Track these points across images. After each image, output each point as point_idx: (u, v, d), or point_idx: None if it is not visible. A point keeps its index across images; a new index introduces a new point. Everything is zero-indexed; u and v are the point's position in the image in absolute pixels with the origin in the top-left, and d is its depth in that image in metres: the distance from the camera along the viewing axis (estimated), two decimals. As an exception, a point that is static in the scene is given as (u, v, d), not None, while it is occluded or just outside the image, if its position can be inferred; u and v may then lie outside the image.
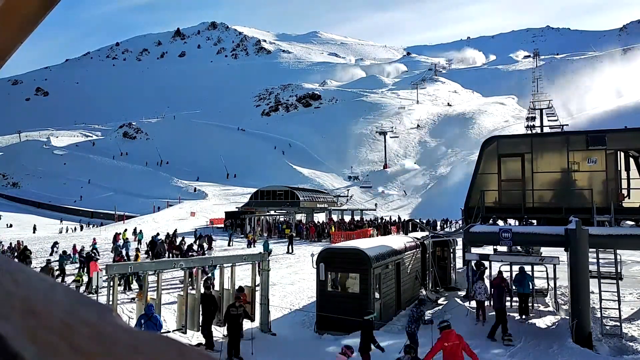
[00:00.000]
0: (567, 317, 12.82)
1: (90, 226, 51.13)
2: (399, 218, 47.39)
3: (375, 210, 60.26)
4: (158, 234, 29.86)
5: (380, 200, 70.77)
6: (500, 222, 15.96)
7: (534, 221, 15.48)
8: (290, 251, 29.27)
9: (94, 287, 17.46)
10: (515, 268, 14.95)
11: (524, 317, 13.80)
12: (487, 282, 13.99)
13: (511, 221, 17.32)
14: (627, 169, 15.40)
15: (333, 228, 38.05)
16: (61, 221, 60.75)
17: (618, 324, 12.58)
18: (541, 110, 51.69)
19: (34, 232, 49.15)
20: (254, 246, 31.29)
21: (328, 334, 12.74)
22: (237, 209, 50.78)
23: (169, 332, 11.83)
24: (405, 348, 8.74)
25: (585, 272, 11.92)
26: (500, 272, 14.01)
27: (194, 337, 12.04)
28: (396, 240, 16.88)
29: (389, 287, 14.30)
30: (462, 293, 17.06)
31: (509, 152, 16.54)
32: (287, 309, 15.27)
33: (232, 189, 76.78)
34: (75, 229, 52.65)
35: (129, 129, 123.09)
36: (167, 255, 25.10)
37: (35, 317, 0.42)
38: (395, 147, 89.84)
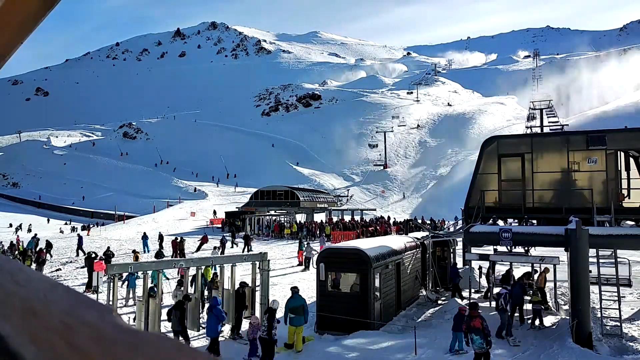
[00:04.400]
0: (567, 317, 12.83)
1: (98, 226, 50.94)
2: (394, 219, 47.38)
3: (375, 210, 60.24)
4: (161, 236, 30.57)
5: (381, 200, 70.75)
6: (500, 222, 15.96)
7: (534, 221, 15.48)
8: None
9: (93, 286, 17.52)
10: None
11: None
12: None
13: (511, 221, 17.33)
14: (627, 169, 15.39)
15: (328, 229, 38.18)
16: (69, 222, 60.56)
17: (618, 324, 12.58)
18: (541, 110, 51.72)
19: (28, 232, 49.06)
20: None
21: (328, 334, 12.74)
22: (237, 209, 50.79)
23: (169, 332, 11.85)
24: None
25: (585, 272, 11.92)
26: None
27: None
28: (396, 240, 16.87)
29: (389, 287, 14.30)
30: (463, 293, 17.08)
31: (509, 152, 16.53)
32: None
33: (232, 189, 76.82)
34: (75, 228, 52.52)
35: (129, 129, 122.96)
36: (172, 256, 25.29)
37: (35, 317, 0.42)
38: (395, 147, 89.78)
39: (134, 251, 22.44)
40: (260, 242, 36.24)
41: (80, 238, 29.88)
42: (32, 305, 0.43)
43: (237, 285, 13.03)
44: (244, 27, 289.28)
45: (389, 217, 47.58)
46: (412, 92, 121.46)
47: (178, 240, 28.14)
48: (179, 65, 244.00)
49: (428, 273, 17.77)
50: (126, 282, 16.33)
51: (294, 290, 12.25)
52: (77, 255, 27.99)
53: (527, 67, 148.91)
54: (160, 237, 31.73)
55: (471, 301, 12.67)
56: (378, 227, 37.40)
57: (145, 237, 31.57)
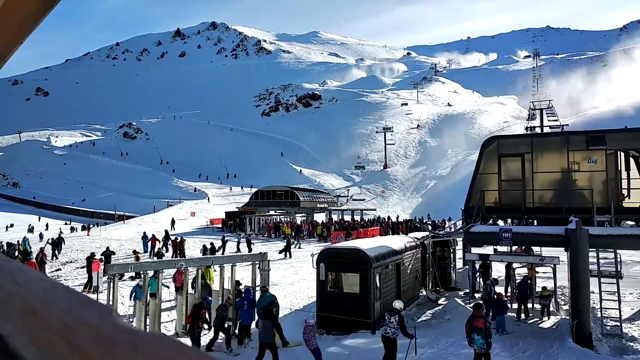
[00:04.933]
0: (567, 317, 12.83)
1: (98, 226, 50.86)
2: (394, 217, 47.28)
3: (375, 210, 60.23)
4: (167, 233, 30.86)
5: (381, 200, 70.75)
6: (501, 222, 15.96)
7: (534, 221, 15.48)
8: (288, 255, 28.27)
9: (93, 286, 17.52)
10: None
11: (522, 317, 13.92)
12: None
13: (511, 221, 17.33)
14: (627, 169, 15.39)
15: (320, 229, 38.32)
16: (69, 222, 60.51)
17: (618, 324, 12.57)
18: (541, 110, 51.75)
19: (30, 232, 49.02)
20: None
21: (328, 334, 12.74)
22: (237, 209, 50.80)
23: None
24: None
25: (585, 272, 11.92)
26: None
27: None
28: (396, 240, 16.86)
29: (389, 287, 14.29)
30: (461, 292, 17.08)
31: (509, 152, 16.53)
32: (287, 309, 15.26)
33: (232, 189, 76.81)
34: (75, 229, 52.45)
35: (129, 129, 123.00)
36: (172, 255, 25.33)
37: (35, 317, 0.42)
38: (395, 147, 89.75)
39: (134, 251, 22.42)
40: (257, 242, 36.23)
41: (60, 239, 30.22)
42: (32, 305, 0.43)
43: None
44: (244, 27, 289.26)
45: (388, 217, 47.57)
46: (415, 87, 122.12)
47: (178, 240, 28.14)
48: (179, 65, 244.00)
49: (428, 273, 17.76)
50: (133, 294, 14.51)
51: (263, 289, 12.93)
52: (59, 254, 28.59)
53: (527, 67, 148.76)
54: (167, 237, 31.87)
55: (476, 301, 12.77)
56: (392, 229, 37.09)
57: (145, 237, 31.62)
